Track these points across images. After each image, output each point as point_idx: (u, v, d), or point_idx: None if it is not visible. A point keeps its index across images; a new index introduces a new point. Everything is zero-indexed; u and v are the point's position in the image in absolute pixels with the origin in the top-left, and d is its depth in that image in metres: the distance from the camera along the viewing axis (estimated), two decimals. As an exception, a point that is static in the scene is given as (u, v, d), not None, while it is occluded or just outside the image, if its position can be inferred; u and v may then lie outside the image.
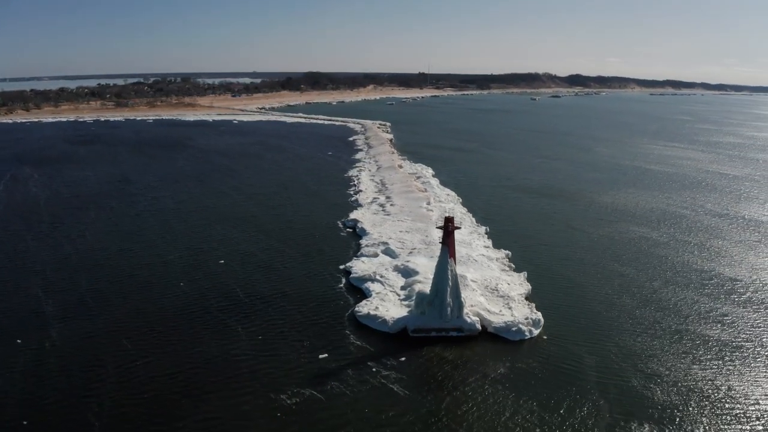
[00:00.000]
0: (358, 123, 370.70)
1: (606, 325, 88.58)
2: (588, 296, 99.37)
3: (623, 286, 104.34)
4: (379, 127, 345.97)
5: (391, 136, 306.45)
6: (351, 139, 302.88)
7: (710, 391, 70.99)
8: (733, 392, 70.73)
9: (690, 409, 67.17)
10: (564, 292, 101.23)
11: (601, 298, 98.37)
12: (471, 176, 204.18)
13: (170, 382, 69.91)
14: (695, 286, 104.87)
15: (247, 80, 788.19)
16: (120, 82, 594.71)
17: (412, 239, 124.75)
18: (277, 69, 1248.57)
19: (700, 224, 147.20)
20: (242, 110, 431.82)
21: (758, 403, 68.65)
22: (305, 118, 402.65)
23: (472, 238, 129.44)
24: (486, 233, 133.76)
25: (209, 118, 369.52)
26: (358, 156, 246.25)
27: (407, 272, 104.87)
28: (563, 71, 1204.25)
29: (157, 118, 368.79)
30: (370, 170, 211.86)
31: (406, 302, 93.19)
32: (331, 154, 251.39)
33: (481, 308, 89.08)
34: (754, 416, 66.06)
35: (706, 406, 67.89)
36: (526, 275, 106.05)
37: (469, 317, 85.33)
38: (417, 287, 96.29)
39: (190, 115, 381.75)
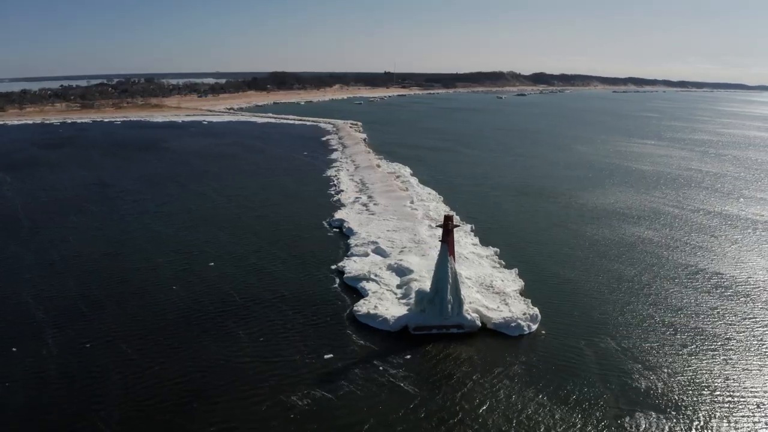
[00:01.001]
0: (329, 123, 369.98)
1: (600, 318, 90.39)
2: (579, 291, 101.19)
3: (612, 280, 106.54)
4: (351, 127, 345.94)
5: (364, 135, 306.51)
6: (324, 138, 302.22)
7: (708, 380, 73.16)
8: (730, 381, 72.99)
9: (690, 398, 69.11)
10: (555, 287, 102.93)
11: (592, 293, 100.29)
12: (449, 175, 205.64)
13: (178, 388, 69.00)
14: (683, 280, 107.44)
15: (211, 80, 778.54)
16: (83, 83, 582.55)
17: (401, 238, 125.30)
18: (240, 69, 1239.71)
19: (684, 220, 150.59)
20: (210, 111, 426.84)
21: (754, 391, 70.98)
22: (275, 118, 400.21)
23: (459, 236, 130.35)
24: (472, 231, 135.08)
25: (178, 119, 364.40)
26: (333, 156, 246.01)
27: (401, 271, 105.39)
28: (527, 69, 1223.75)
29: (125, 119, 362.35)
30: (348, 170, 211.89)
31: (404, 300, 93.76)
32: (307, 154, 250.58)
33: (479, 305, 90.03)
34: (752, 404, 68.32)
35: (705, 394, 69.93)
36: (517, 271, 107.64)
37: (469, 314, 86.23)
38: (414, 285, 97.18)
39: (158, 116, 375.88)
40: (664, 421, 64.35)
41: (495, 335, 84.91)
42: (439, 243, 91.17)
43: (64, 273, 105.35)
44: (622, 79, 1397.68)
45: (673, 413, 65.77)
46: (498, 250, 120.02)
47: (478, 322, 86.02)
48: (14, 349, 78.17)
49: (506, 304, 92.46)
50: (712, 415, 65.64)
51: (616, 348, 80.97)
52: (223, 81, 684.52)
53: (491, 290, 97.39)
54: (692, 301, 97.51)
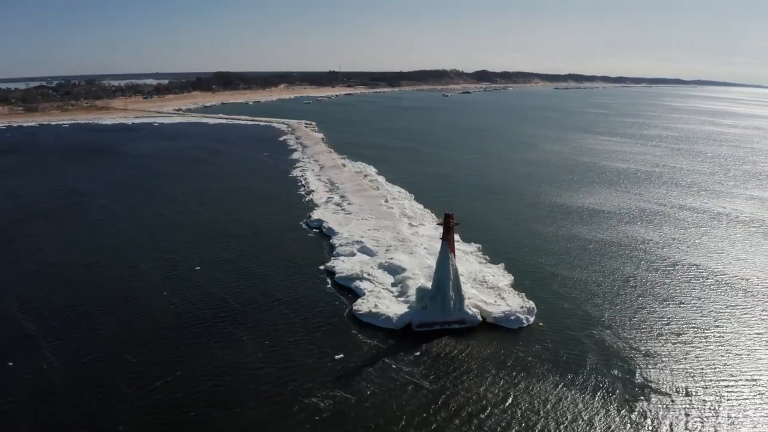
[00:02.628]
0: (283, 123, 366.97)
1: (592, 308, 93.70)
2: (567, 283, 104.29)
3: (596, 272, 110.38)
4: (306, 127, 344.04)
5: (321, 135, 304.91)
6: (282, 139, 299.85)
7: (705, 365, 77.18)
8: (727, 366, 77.09)
9: (690, 384, 72.71)
10: (544, 280, 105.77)
11: (579, 285, 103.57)
12: (414, 174, 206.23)
13: (193, 396, 67.71)
14: (664, 271, 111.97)
15: (152, 81, 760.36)
16: (21, 86, 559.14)
17: (385, 237, 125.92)
18: (181, 69, 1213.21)
19: (656, 214, 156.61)
20: (159, 112, 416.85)
21: (748, 372, 75.23)
22: (227, 118, 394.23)
23: (437, 233, 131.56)
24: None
25: (128, 121, 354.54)
26: (295, 156, 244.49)
27: (393, 269, 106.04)
28: (470, 68, 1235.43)
29: (73, 122, 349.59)
30: (313, 170, 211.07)
31: (402, 298, 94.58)
32: (268, 154, 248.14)
33: (477, 300, 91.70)
34: (746, 384, 72.42)
35: (706, 380, 73.70)
36: (503, 266, 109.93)
37: (470, 309, 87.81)
38: (410, 283, 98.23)
39: (107, 119, 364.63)
40: (668, 406, 67.58)
41: (495, 329, 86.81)
42: (439, 241, 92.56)
43: (45, 283, 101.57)
44: (562, 76, 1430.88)
45: (675, 399, 69.13)
46: (480, 246, 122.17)
47: (479, 317, 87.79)
48: (10, 364, 75.12)
49: (502, 298, 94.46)
50: (713, 399, 69.23)
51: (613, 337, 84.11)
52: (165, 82, 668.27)
53: (485, 285, 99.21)
54: (677, 291, 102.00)
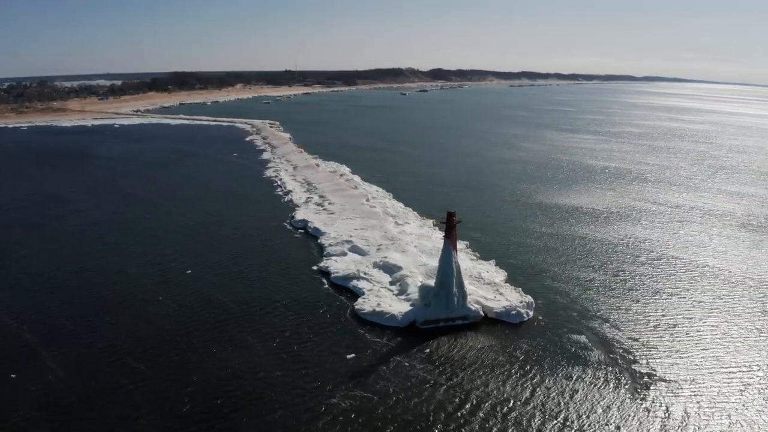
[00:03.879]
0: (246, 123, 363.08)
1: (588, 302, 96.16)
2: (560, 278, 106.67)
3: (588, 267, 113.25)
4: (271, 127, 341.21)
5: (288, 135, 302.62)
6: (248, 139, 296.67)
7: (702, 354, 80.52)
8: (728, 356, 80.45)
9: (691, 372, 75.66)
10: (536, 276, 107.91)
11: (572, 280, 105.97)
12: (388, 173, 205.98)
13: (211, 403, 66.70)
14: (651, 264, 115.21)
15: (105, 82, 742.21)
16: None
17: (374, 236, 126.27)
18: (133, 70, 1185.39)
19: (643, 211, 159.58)
20: (117, 113, 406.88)
21: (748, 359, 78.92)
22: (188, 119, 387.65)
23: (425, 231, 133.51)
24: (434, 225, 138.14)
25: (87, 123, 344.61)
26: (265, 156, 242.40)
27: (389, 268, 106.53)
28: (425, 66, 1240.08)
29: (31, 125, 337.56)
30: (287, 170, 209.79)
31: (403, 296, 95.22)
32: (237, 155, 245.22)
33: (477, 296, 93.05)
34: (747, 370, 75.81)
35: (702, 367, 76.89)
36: (495, 262, 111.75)
37: (472, 305, 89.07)
38: (409, 281, 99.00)
39: (65, 121, 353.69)
40: (672, 394, 70.06)
41: (497, 324, 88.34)
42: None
43: (35, 292, 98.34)
44: (516, 74, 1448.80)
45: (678, 388, 71.74)
46: (468, 243, 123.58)
47: (481, 313, 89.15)
48: (13, 376, 72.71)
49: (500, 293, 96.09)
50: (713, 387, 72.41)
51: (612, 329, 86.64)
52: (119, 82, 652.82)
53: (482, 281, 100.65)
54: (666, 283, 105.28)
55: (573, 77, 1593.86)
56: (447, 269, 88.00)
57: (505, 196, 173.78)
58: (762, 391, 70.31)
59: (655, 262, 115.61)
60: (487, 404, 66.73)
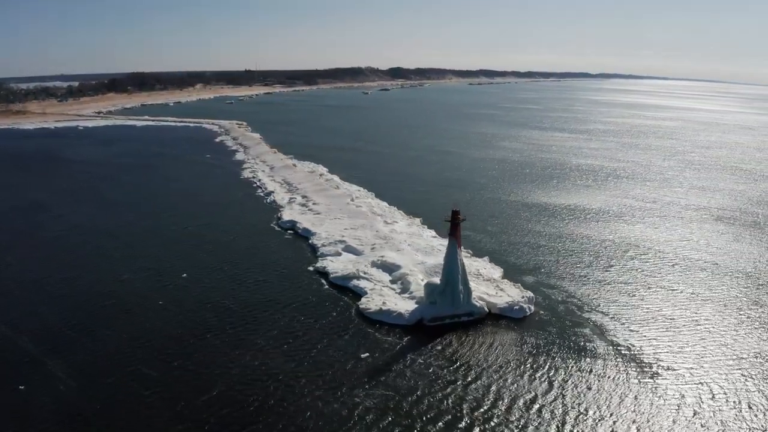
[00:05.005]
0: (213, 123, 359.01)
1: (584, 296, 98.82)
2: (554, 274, 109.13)
3: (579, 262, 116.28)
4: (239, 127, 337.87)
5: (258, 135, 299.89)
6: (218, 140, 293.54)
7: (702, 339, 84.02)
8: (724, 339, 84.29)
9: (691, 357, 78.68)
10: (530, 272, 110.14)
11: (566, 276, 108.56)
12: (367, 172, 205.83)
13: (235, 408, 66.19)
14: (642, 259, 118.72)
15: (61, 83, 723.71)
16: None
17: (366, 235, 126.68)
18: (90, 71, 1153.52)
19: (630, 208, 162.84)
20: (79, 115, 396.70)
21: (750, 346, 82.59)
22: (153, 120, 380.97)
23: (415, 230, 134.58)
24: (422, 223, 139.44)
25: (50, 126, 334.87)
26: (239, 157, 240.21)
27: (388, 267, 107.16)
28: (384, 65, 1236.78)
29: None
30: (263, 171, 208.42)
31: (406, 295, 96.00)
32: (210, 157, 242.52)
33: (480, 292, 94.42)
34: (751, 355, 79.44)
35: (703, 352, 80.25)
36: (488, 259, 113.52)
37: (477, 301, 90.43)
38: (410, 279, 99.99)
39: (26, 124, 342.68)
40: (679, 382, 72.90)
41: (501, 319, 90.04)
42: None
43: (29, 301, 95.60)
44: (474, 72, 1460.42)
45: (684, 375, 74.72)
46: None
47: (486, 309, 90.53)
48: (21, 387, 70.65)
49: (501, 289, 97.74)
50: (711, 373, 75.55)
51: (611, 321, 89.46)
52: (75, 84, 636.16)
53: (481, 278, 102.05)
54: (657, 276, 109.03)
55: (530, 75, 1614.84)
56: (452, 267, 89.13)
57: (488, 194, 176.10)
58: (760, 375, 73.51)
59: (642, 256, 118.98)
60: (509, 398, 68.06)
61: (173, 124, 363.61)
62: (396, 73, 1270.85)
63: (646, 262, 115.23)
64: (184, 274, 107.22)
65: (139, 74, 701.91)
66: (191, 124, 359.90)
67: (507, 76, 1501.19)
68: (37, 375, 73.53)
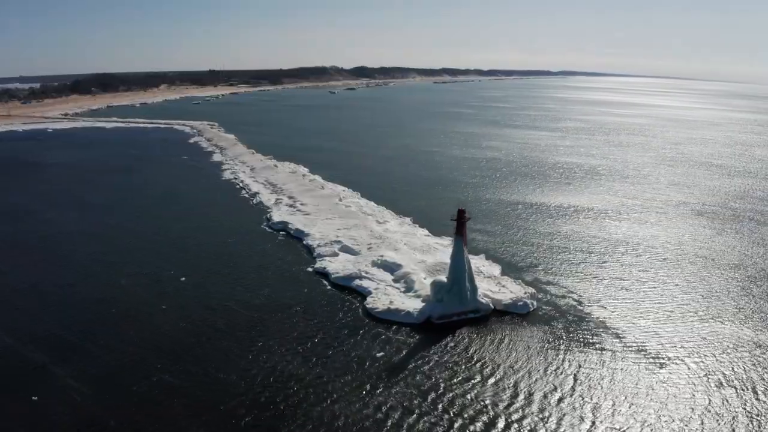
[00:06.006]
0: (184, 125, 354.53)
1: (584, 291, 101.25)
2: (550, 270, 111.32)
3: (574, 259, 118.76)
4: (212, 128, 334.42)
5: (233, 136, 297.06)
6: (192, 141, 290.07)
7: (704, 330, 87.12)
8: (723, 329, 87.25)
9: (695, 347, 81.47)
10: (527, 268, 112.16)
11: (562, 271, 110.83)
12: (349, 172, 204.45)
13: (260, 411, 66.11)
14: (635, 255, 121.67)
15: (21, 85, 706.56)
16: None
17: (360, 235, 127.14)
18: (50, 72, 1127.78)
19: (620, 205, 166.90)
20: (46, 117, 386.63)
21: (736, 334, 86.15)
22: (123, 122, 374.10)
23: (407, 229, 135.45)
24: (413, 222, 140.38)
25: (18, 129, 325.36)
26: (216, 158, 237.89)
27: (388, 267, 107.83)
28: (348, 64, 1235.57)
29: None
30: (244, 172, 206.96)
31: (411, 293, 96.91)
32: (187, 158, 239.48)
33: (483, 289, 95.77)
34: (752, 344, 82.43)
35: (704, 342, 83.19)
36: (484, 257, 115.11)
37: (482, 298, 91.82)
38: (414, 278, 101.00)
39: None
40: (688, 370, 75.64)
41: (506, 315, 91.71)
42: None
43: (30, 308, 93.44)
44: (437, 70, 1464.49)
45: (691, 363, 77.58)
46: (450, 238, 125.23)
47: (491, 305, 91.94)
48: (35, 398, 69.25)
49: (503, 286, 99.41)
50: (710, 360, 78.45)
51: (611, 314, 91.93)
52: (37, 85, 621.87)
53: (482, 275, 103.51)
54: (652, 271, 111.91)
55: (492, 73, 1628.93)
56: (459, 265, 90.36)
57: (472, 192, 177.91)
58: (761, 360, 76.55)
59: (632, 251, 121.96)
60: (528, 391, 69.70)
61: (143, 125, 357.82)
62: (360, 72, 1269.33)
63: (638, 257, 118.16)
64: (183, 278, 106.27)
65: (103, 75, 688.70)
66: (162, 126, 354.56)
67: (470, 74, 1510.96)
68: (49, 385, 72.25)
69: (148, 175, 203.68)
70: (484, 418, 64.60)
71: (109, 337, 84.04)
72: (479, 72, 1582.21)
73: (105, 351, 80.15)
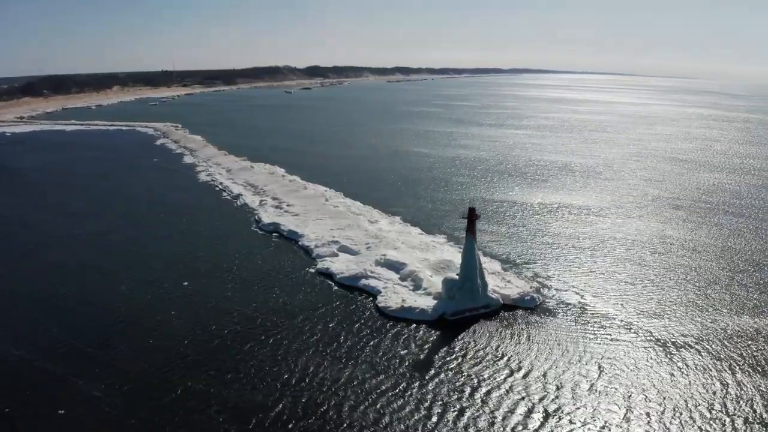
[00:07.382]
0: (146, 126, 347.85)
1: (585, 285, 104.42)
2: (550, 264, 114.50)
3: (569, 255, 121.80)
4: (177, 130, 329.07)
5: (201, 137, 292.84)
6: (159, 143, 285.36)
7: (708, 316, 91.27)
8: (729, 316, 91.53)
9: (705, 333, 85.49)
10: (527, 264, 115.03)
11: (562, 266, 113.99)
12: (324, 172, 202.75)
13: (312, 416, 66.16)
14: (631, 250, 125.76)
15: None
16: None
17: (356, 235, 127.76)
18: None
19: (611, 202, 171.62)
20: (1, 121, 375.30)
21: (738, 325, 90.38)
22: (83, 124, 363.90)
23: (399, 227, 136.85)
24: (403, 221, 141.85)
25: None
26: (188, 161, 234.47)
27: (393, 265, 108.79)
28: (301, 63, 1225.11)
29: None
30: (221, 174, 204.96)
31: (421, 291, 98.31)
32: (158, 161, 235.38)
33: (491, 285, 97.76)
34: (748, 327, 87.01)
35: (709, 328, 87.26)
36: (482, 254, 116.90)
37: (492, 294, 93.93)
38: (421, 275, 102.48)
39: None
40: (701, 357, 79.22)
41: (516, 309, 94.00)
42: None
43: (37, 319, 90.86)
44: (389, 69, 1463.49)
45: (703, 351, 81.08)
46: (446, 236, 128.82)
47: (500, 300, 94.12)
48: (61, 412, 67.43)
49: (508, 281, 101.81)
50: (719, 348, 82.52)
51: (619, 305, 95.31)
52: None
53: (487, 272, 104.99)
54: (647, 265, 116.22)
55: (444, 71, 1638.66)
56: (471, 262, 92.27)
57: (455, 190, 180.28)
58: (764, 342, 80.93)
59: (622, 246, 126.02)
60: (556, 380, 71.96)
61: (104, 128, 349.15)
62: (314, 71, 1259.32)
63: (628, 250, 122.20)
64: (185, 283, 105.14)
65: (54, 77, 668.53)
66: (124, 128, 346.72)
67: (422, 73, 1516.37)
68: (74, 397, 70.38)
69: (123, 178, 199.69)
70: (524, 408, 66.42)
71: (125, 346, 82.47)
72: (431, 71, 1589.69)
73: (125, 361, 78.35)
